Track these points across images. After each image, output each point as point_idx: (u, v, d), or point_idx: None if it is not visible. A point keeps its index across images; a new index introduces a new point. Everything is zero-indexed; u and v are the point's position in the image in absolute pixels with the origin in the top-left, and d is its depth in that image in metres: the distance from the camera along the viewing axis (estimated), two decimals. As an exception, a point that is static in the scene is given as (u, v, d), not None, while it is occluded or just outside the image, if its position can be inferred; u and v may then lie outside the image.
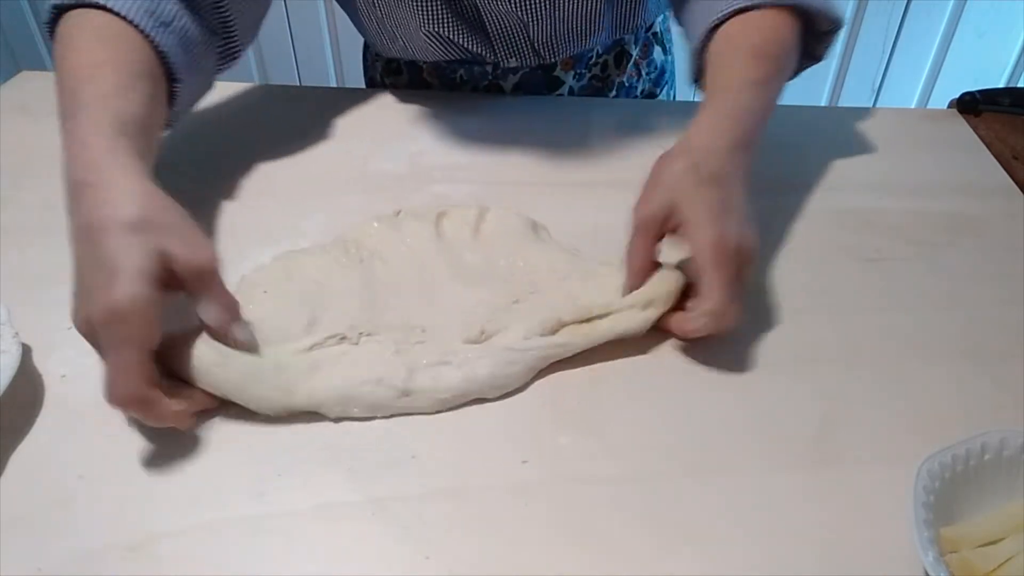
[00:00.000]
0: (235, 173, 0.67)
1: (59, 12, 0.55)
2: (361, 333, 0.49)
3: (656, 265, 0.52)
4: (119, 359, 0.41)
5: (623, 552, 0.40)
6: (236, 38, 0.65)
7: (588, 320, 0.50)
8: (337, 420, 0.46)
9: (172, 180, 0.67)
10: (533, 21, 0.72)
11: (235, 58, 0.66)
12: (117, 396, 0.41)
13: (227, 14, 0.62)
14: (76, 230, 0.44)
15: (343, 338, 0.48)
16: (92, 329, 0.42)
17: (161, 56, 0.56)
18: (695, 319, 0.48)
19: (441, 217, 0.58)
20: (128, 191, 0.45)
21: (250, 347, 0.46)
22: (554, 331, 0.49)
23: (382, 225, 0.58)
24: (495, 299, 0.52)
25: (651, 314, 0.50)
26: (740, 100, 0.56)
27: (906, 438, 0.45)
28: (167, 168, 0.68)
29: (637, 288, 0.51)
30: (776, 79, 0.59)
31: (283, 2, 1.61)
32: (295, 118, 0.76)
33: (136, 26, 0.54)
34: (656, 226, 0.51)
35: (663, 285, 0.51)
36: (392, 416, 0.46)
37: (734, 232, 0.49)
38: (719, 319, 0.48)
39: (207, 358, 0.45)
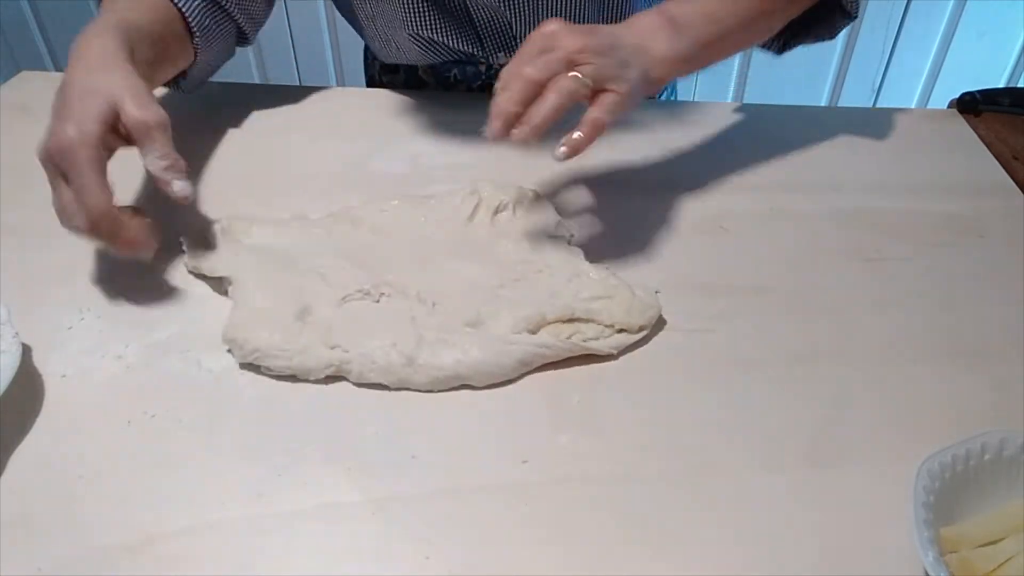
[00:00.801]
0: (235, 173, 0.67)
1: None
2: (383, 293, 0.51)
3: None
4: (80, 181, 0.47)
5: (622, 552, 0.40)
6: (254, 18, 0.72)
7: (570, 320, 0.50)
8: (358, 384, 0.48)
9: (172, 180, 0.67)
10: (517, 19, 0.73)
11: (247, 40, 0.73)
12: (89, 211, 0.47)
13: None
14: (61, 85, 0.51)
15: (367, 293, 0.51)
16: (51, 161, 0.49)
17: (184, 18, 0.64)
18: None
19: (477, 193, 0.59)
20: (100, 59, 0.52)
21: (189, 201, 0.52)
22: (537, 327, 0.50)
23: (402, 202, 0.60)
24: (484, 279, 0.53)
25: (622, 339, 0.50)
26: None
27: (906, 438, 0.45)
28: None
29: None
30: (740, 13, 0.59)
31: (283, 2, 1.61)
32: (295, 118, 0.76)
33: None
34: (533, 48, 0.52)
35: (640, 315, 0.51)
36: (389, 389, 0.47)
37: (570, 32, 0.51)
38: (503, 86, 0.50)
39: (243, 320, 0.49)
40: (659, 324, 0.53)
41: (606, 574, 0.39)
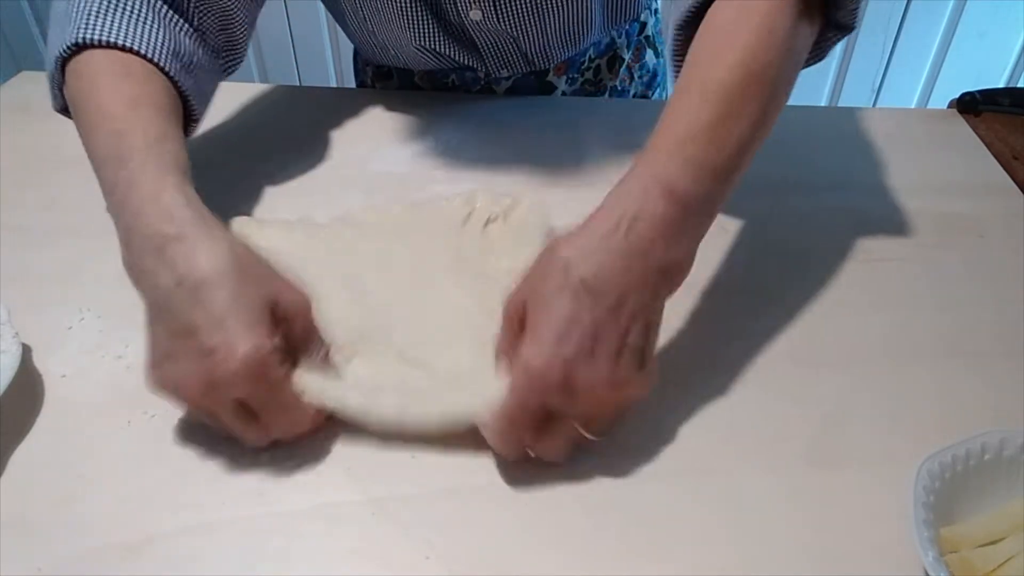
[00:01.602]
0: (235, 173, 0.67)
1: (78, 49, 0.52)
2: (359, 347, 0.48)
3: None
4: (283, 401, 0.41)
5: (622, 552, 0.40)
6: (239, 51, 0.64)
7: None
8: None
9: (172, 180, 0.67)
10: (523, 36, 0.73)
11: (232, 71, 0.65)
12: (294, 429, 0.43)
13: (233, 30, 0.62)
14: (166, 287, 0.41)
15: (354, 352, 0.47)
16: (212, 390, 0.39)
17: (183, 96, 0.55)
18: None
19: (472, 202, 0.59)
20: (221, 242, 0.42)
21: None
22: None
23: (403, 210, 0.59)
24: (480, 304, 0.51)
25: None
26: (684, 156, 0.42)
27: (906, 438, 0.45)
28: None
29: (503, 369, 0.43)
30: (757, 116, 0.44)
31: (283, 2, 1.61)
32: (295, 118, 0.76)
33: (163, 68, 0.53)
34: (513, 322, 0.43)
35: None
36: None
37: (572, 362, 0.39)
38: (496, 442, 0.41)
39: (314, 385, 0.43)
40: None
41: (606, 574, 0.39)
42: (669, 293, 0.43)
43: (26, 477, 0.43)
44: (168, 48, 0.54)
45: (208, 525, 0.40)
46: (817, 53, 0.52)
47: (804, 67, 0.51)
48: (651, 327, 0.42)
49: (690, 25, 0.49)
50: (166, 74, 0.54)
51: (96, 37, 0.51)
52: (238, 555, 0.39)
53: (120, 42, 0.52)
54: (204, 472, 0.43)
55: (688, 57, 0.47)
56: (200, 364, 0.39)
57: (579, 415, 0.41)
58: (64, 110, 0.56)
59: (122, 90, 0.50)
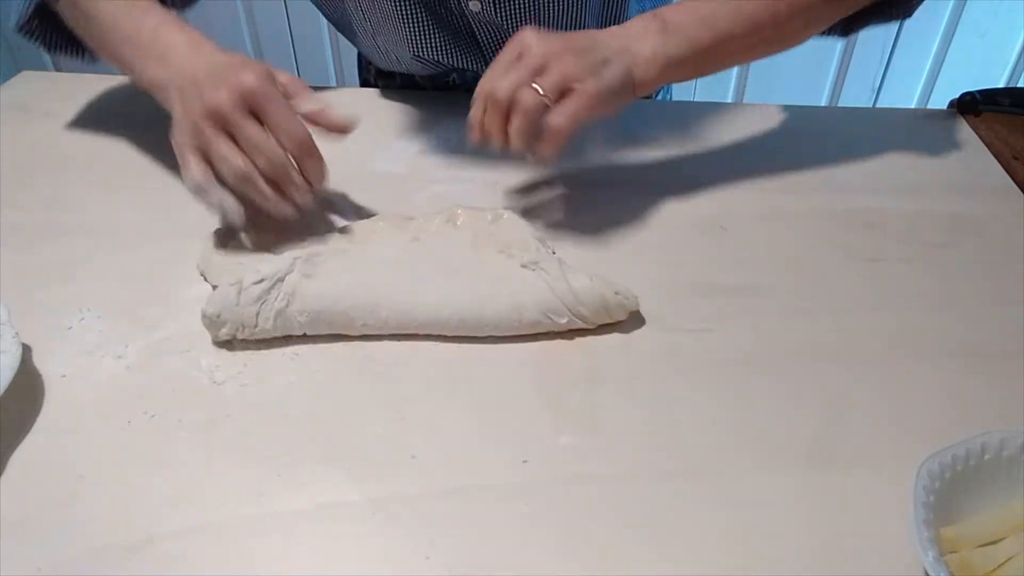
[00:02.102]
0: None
1: None
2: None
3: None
4: (279, 114, 0.51)
5: (623, 553, 0.40)
6: None
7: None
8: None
9: (170, 180, 0.67)
10: None
11: None
12: (291, 138, 0.51)
13: None
14: (201, 64, 0.53)
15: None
16: (235, 104, 0.50)
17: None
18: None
19: (453, 219, 0.58)
20: (207, 44, 0.55)
21: (351, 123, 0.55)
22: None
23: (386, 224, 0.59)
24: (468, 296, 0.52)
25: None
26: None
27: (906, 438, 0.45)
28: (165, 168, 0.68)
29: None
30: (745, 18, 0.57)
31: (283, 2, 1.61)
32: (295, 118, 0.76)
33: None
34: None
35: (616, 314, 0.51)
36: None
37: (541, 39, 0.53)
38: (487, 99, 0.52)
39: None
40: (659, 324, 0.53)
41: (606, 574, 0.39)
42: (627, 79, 0.55)
43: (26, 477, 0.43)
44: None
45: (208, 525, 0.40)
46: (903, 9, 0.63)
47: (891, 20, 0.65)
48: (597, 71, 0.54)
49: None
50: None
51: None
52: (238, 555, 0.39)
53: None
54: (204, 472, 0.43)
55: None
56: (210, 91, 0.51)
57: (535, 64, 0.52)
58: (24, 30, 0.65)
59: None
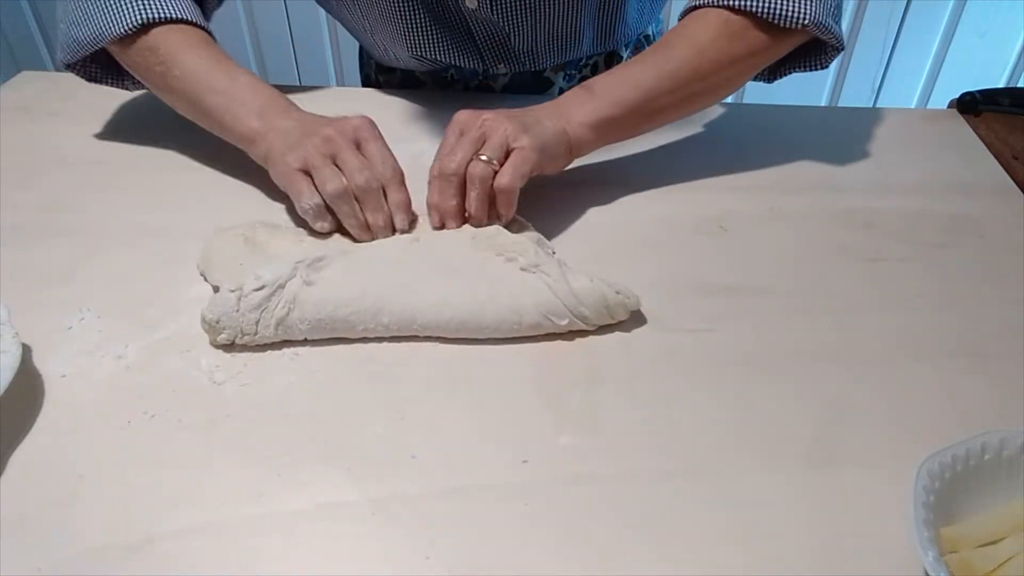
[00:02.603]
0: (235, 173, 0.67)
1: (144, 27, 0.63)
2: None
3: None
4: (377, 146, 0.58)
5: (623, 552, 0.40)
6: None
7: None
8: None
9: (170, 179, 0.67)
10: (515, 32, 0.74)
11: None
12: (387, 167, 0.57)
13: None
14: (294, 119, 0.60)
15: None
16: (332, 139, 0.57)
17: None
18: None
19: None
20: (286, 103, 0.62)
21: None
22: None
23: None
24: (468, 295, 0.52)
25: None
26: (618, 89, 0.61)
27: (906, 438, 0.45)
28: (165, 168, 0.69)
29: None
30: (668, 75, 0.61)
31: (283, 2, 1.61)
32: (295, 118, 0.76)
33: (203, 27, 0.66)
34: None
35: (617, 314, 0.52)
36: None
37: (478, 115, 0.57)
38: (441, 163, 0.56)
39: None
40: (659, 324, 0.53)
41: (606, 574, 0.39)
42: (561, 140, 0.60)
43: (26, 477, 0.43)
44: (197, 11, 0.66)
45: (208, 525, 0.40)
46: (819, 62, 0.66)
47: (808, 69, 0.67)
48: (530, 129, 0.58)
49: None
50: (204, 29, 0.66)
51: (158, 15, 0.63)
52: (238, 555, 0.39)
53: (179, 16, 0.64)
54: (204, 472, 0.43)
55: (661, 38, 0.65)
56: (320, 132, 0.57)
57: (477, 136, 0.57)
58: (71, 67, 0.67)
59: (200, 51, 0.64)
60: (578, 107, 0.61)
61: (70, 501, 0.41)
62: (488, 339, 0.51)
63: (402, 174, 0.58)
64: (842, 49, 0.64)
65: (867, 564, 0.39)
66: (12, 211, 0.63)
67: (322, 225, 0.57)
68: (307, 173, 0.57)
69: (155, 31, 0.63)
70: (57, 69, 0.73)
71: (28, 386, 0.47)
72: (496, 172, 0.56)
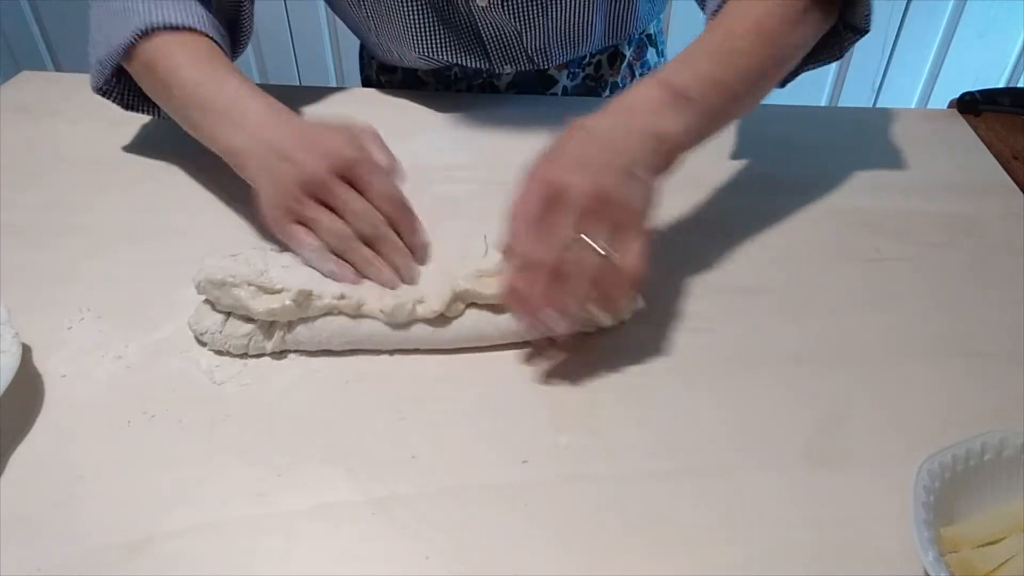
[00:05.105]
0: (234, 173, 0.67)
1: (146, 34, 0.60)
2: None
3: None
4: (381, 181, 0.53)
5: (623, 552, 0.40)
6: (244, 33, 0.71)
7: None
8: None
9: (170, 179, 0.67)
10: (527, 29, 0.73)
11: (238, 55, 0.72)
12: (391, 201, 0.52)
13: (241, 21, 0.70)
14: (283, 132, 0.54)
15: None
16: (317, 180, 0.51)
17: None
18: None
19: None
20: (287, 112, 0.57)
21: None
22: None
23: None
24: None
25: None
26: (684, 65, 0.52)
27: (906, 438, 0.45)
28: (165, 167, 0.68)
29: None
30: (757, 63, 0.53)
31: (283, 2, 1.61)
32: (295, 118, 0.76)
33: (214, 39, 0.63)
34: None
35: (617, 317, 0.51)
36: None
37: (568, 173, 0.45)
38: (513, 259, 0.46)
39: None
40: (659, 324, 0.53)
41: (606, 574, 0.39)
42: (659, 165, 0.49)
43: (26, 477, 0.43)
44: (214, 24, 0.64)
45: (208, 525, 0.40)
46: (835, 52, 0.61)
47: (822, 63, 0.62)
48: (638, 178, 0.48)
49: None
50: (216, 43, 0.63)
51: (162, 22, 0.60)
52: (238, 555, 0.39)
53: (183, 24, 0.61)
54: (204, 472, 0.43)
55: (708, 23, 0.57)
56: (312, 160, 0.51)
57: (577, 209, 0.45)
58: (101, 91, 0.65)
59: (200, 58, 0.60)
60: (668, 120, 0.49)
61: (70, 501, 0.41)
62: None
63: (404, 199, 0.53)
64: (867, 31, 0.58)
65: (867, 564, 0.39)
66: (12, 211, 0.63)
67: (321, 268, 0.51)
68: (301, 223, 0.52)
69: (156, 43, 0.60)
70: (58, 69, 0.73)
71: (28, 386, 0.47)
72: (606, 259, 0.45)
